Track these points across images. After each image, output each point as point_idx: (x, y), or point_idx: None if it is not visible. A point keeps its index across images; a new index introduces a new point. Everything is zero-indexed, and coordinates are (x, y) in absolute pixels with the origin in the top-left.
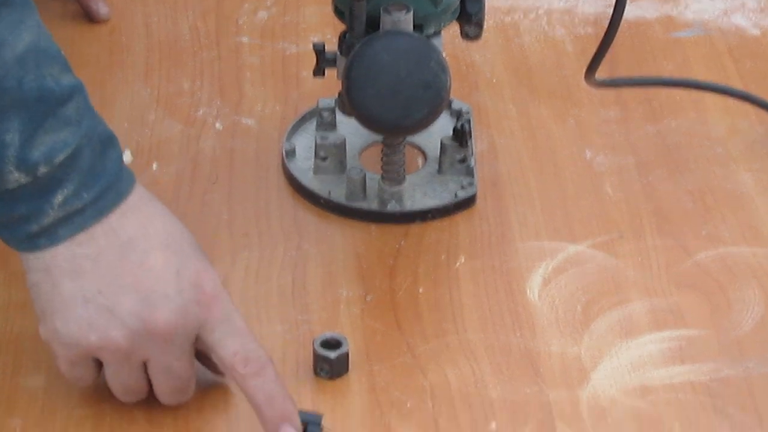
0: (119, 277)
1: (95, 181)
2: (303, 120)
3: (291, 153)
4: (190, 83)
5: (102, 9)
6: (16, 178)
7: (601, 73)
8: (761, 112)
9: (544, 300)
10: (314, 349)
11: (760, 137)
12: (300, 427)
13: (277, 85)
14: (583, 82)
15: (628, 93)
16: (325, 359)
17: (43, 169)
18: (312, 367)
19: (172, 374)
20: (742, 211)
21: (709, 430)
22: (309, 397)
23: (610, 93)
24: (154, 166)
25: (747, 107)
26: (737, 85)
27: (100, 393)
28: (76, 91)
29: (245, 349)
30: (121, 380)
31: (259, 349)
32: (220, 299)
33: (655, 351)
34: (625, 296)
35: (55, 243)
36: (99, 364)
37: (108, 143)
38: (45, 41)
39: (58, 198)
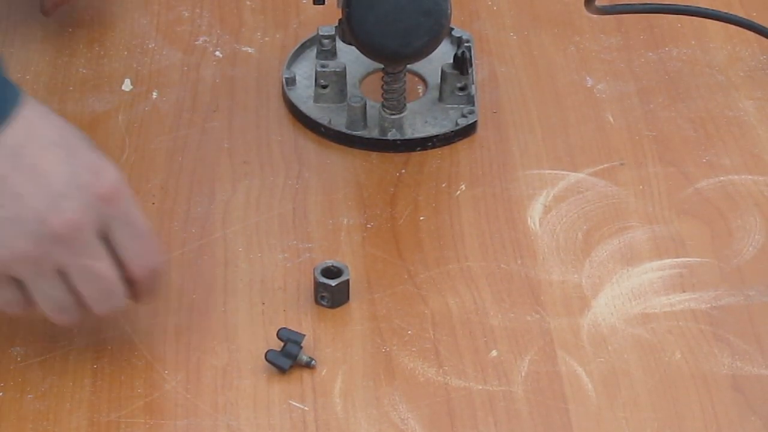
0: (15, 186)
1: None
2: (303, 48)
3: (291, 81)
4: (190, 11)
5: None
6: None
7: (602, 0)
8: (763, 39)
9: (545, 228)
10: (315, 277)
11: (762, 65)
12: None
13: (277, 12)
14: (584, 9)
15: (629, 20)
16: (326, 287)
17: None
18: (313, 295)
19: (93, 276)
20: (743, 139)
21: (710, 358)
22: (310, 325)
23: (611, 20)
24: (154, 94)
25: (748, 35)
26: (739, 12)
27: (102, 322)
28: None
29: (144, 256)
30: (47, 296)
31: (157, 256)
32: (121, 193)
33: (656, 279)
34: (626, 224)
35: None
36: (21, 286)
37: None
38: None
39: None
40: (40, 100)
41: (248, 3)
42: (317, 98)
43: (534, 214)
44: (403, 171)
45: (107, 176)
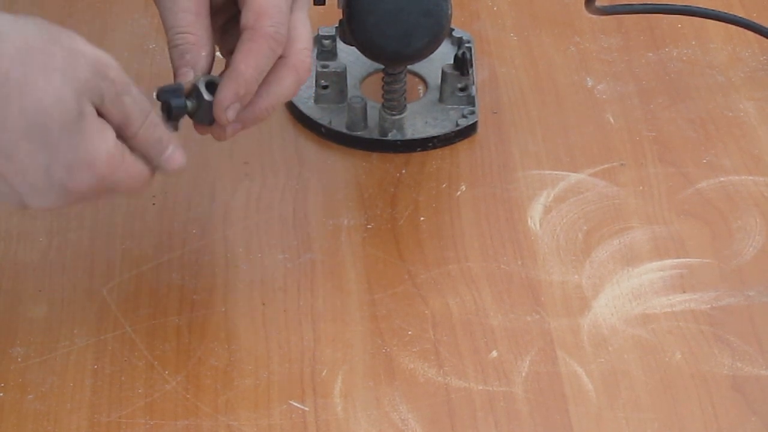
0: (7, 119)
1: None
2: None
3: None
4: None
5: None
6: None
7: (602, 1)
8: (763, 40)
9: (545, 228)
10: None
11: (762, 65)
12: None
13: None
14: (584, 10)
15: (629, 20)
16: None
17: None
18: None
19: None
20: (743, 140)
21: (710, 359)
22: (310, 326)
23: (611, 20)
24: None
25: (749, 35)
26: (739, 12)
27: (101, 322)
28: None
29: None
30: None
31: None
32: (106, 64)
33: (656, 279)
34: (627, 224)
35: None
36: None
37: None
38: None
39: None
40: None
41: None
42: (317, 99)
43: (534, 214)
44: (404, 171)
45: (85, 57)
